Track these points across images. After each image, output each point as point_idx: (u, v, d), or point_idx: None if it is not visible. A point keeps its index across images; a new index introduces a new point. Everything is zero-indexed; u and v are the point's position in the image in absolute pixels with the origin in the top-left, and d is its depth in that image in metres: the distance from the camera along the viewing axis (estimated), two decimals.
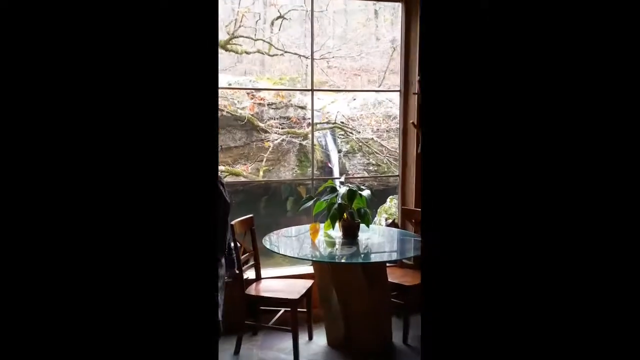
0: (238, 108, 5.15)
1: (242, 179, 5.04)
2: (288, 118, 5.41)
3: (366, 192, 2.74)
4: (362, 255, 2.65)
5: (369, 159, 5.61)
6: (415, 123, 3.56)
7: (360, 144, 5.63)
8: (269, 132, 5.25)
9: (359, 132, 5.59)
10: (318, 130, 5.60)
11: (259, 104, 5.29)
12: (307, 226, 2.98)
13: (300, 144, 5.38)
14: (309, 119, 5.48)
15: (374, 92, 5.75)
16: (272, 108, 5.36)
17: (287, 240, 2.96)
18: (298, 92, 5.58)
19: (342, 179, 3.18)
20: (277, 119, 5.35)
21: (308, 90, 3.98)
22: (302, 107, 5.59)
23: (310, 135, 4.96)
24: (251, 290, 2.79)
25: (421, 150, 0.73)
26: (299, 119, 5.46)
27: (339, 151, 5.74)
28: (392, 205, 4.77)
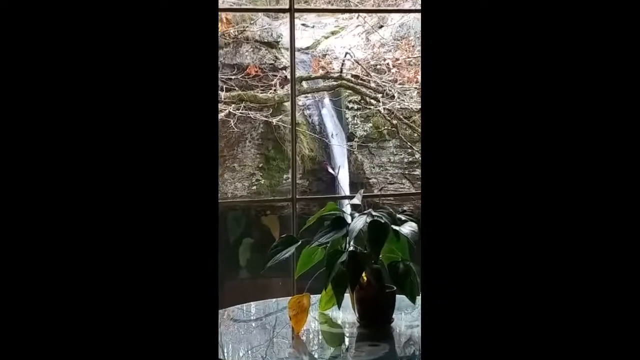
0: None
1: None
2: (241, 68, 5.48)
3: (408, 228, 2.67)
4: None
5: (413, 154, 5.64)
6: None
7: (395, 121, 5.66)
8: None
9: (393, 96, 5.61)
10: (305, 93, 5.69)
11: None
12: (284, 301, 2.95)
13: (267, 123, 5.41)
14: (285, 69, 5.62)
15: (419, 13, 5.82)
16: None
17: (242, 329, 2.95)
18: (262, 13, 5.65)
19: (358, 199, 3.12)
20: (220, 70, 5.34)
21: (284, 10, 3.97)
22: (271, 46, 5.64)
23: (288, 104, 5.02)
24: None
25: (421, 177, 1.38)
26: (263, 70, 5.52)
27: (350, 138, 5.77)
28: None
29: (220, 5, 5.65)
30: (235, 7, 5.64)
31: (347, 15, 6.00)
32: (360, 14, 5.93)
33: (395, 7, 6.04)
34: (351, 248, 2.66)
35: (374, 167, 5.69)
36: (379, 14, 5.94)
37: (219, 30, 5.39)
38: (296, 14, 3.67)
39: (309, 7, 5.91)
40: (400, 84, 5.69)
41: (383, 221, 2.65)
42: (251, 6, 5.79)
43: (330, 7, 6.08)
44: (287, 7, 3.63)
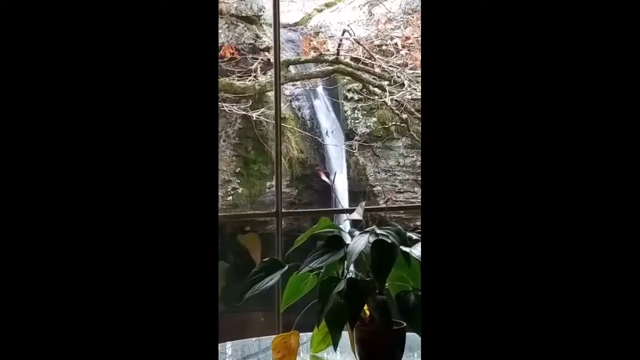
0: None
1: None
2: None
3: (419, 249, 2.72)
4: None
5: None
6: None
7: (405, 115, 5.70)
8: None
9: (402, 84, 5.66)
10: (293, 81, 5.72)
11: None
12: (268, 340, 2.95)
13: (246, 118, 5.46)
14: (268, 50, 5.69)
15: None
16: None
17: None
18: None
19: (358, 214, 3.13)
20: None
21: None
22: (251, 21, 5.70)
23: (272, 95, 5.04)
24: None
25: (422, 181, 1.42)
26: (241, 52, 5.54)
27: (349, 136, 5.82)
28: None
29: None
30: None
31: None
32: None
33: None
34: (350, 275, 2.67)
35: (378, 172, 5.72)
36: None
37: None
38: None
39: None
40: (411, 68, 5.72)
41: (390, 241, 2.67)
42: None
43: None
44: None
